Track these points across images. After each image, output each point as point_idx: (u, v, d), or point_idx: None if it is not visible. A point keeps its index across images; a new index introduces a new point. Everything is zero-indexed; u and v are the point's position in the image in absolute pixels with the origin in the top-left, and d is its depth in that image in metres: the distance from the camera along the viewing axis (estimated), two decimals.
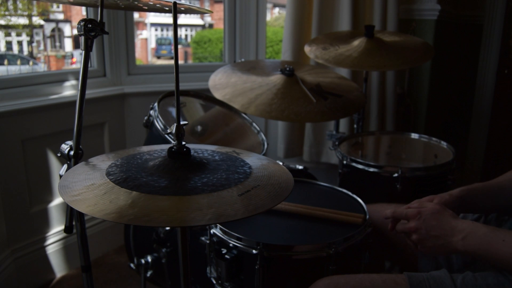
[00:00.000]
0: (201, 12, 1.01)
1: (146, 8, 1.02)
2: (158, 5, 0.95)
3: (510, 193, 1.07)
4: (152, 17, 8.31)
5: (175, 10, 0.70)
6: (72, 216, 0.99)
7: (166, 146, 0.77)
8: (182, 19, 8.03)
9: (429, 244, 0.94)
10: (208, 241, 1.09)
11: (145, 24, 8.08)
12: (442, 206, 0.97)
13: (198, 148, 0.82)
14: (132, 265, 1.54)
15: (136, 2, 0.95)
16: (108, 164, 0.75)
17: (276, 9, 6.82)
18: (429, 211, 0.96)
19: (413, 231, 0.96)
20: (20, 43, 3.64)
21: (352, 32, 1.97)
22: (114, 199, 0.62)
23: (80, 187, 0.67)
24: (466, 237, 0.89)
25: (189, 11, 0.94)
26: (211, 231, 1.07)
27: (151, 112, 1.46)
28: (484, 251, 0.87)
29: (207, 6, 8.39)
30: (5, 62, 3.16)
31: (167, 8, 0.95)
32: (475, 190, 1.07)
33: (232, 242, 1.02)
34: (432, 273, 0.91)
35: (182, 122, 0.73)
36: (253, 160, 0.80)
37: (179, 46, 7.34)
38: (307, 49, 1.78)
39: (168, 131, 0.74)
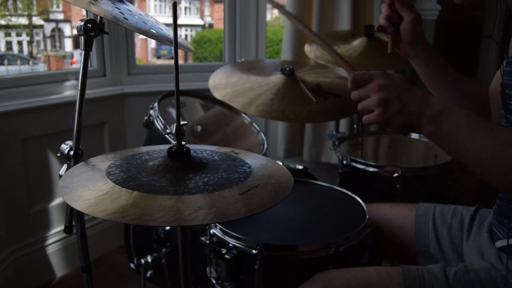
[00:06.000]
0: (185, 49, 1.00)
1: None
2: None
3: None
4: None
5: (175, 10, 0.70)
6: (72, 216, 0.99)
7: (165, 147, 0.77)
8: (182, 19, 8.03)
9: (390, 110, 0.77)
10: (208, 241, 1.09)
11: None
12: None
13: (197, 148, 0.82)
14: (132, 265, 1.53)
15: None
16: (107, 165, 0.75)
17: (276, 9, 6.83)
18: (397, 81, 0.80)
19: (377, 102, 0.78)
20: (20, 43, 3.64)
21: (352, 32, 1.97)
22: (116, 199, 0.62)
23: (81, 187, 0.67)
24: (444, 112, 0.74)
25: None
26: (211, 231, 1.07)
27: (151, 112, 1.46)
28: (462, 134, 0.72)
29: (207, 6, 8.40)
30: (5, 62, 3.16)
31: None
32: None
33: (232, 242, 1.02)
34: (427, 266, 0.91)
35: (182, 122, 0.73)
36: (252, 160, 0.80)
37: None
38: (307, 48, 1.78)
39: (168, 131, 0.74)
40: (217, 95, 1.54)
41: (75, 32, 0.92)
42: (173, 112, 1.58)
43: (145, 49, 8.06)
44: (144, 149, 0.84)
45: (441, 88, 1.06)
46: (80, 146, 0.96)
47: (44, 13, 4.11)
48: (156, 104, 1.47)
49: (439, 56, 1.05)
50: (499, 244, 0.90)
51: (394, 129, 0.81)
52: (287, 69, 1.58)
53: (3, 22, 3.19)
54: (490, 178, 0.73)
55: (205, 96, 1.72)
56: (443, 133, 0.75)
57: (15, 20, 3.38)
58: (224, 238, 1.03)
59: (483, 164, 0.72)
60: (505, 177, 0.70)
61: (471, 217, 1.07)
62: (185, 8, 8.26)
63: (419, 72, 1.08)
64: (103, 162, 0.77)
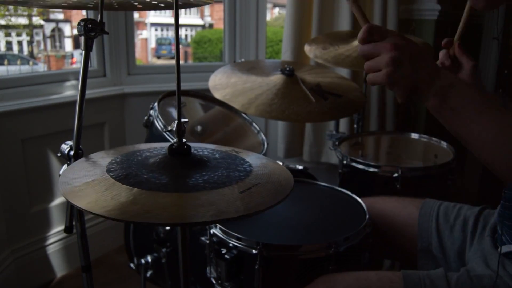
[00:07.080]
0: (199, 5, 1.00)
1: (140, 6, 1.01)
2: (154, 2, 0.94)
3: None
4: (152, 17, 8.32)
5: (177, 7, 0.69)
6: (72, 216, 0.99)
7: (166, 144, 0.76)
8: (182, 19, 8.02)
9: (400, 72, 0.72)
10: (208, 241, 1.08)
11: (145, 24, 8.09)
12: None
13: (198, 147, 0.82)
14: (132, 265, 1.53)
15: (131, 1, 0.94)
16: (108, 161, 0.75)
17: (276, 9, 6.82)
18: (411, 44, 0.74)
19: (388, 61, 0.72)
20: (20, 43, 3.64)
21: (352, 32, 1.97)
22: (116, 195, 0.62)
23: (81, 183, 0.67)
24: (453, 87, 0.71)
25: (186, 5, 0.93)
26: (211, 231, 1.06)
27: (151, 112, 1.46)
28: (467, 112, 0.69)
29: (207, 6, 8.40)
30: (5, 62, 3.16)
31: (162, 5, 0.94)
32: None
33: (232, 242, 1.02)
34: (429, 272, 0.90)
35: (183, 120, 0.73)
36: (253, 159, 0.80)
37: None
38: (307, 48, 1.78)
39: (169, 128, 0.74)
40: (217, 95, 1.54)
41: (75, 32, 0.92)
42: (173, 112, 1.58)
43: (145, 49, 8.07)
44: (145, 146, 0.84)
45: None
46: (80, 146, 0.96)
47: (44, 13, 4.11)
48: (156, 104, 1.47)
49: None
50: (505, 249, 0.88)
51: (396, 94, 0.75)
52: (287, 69, 1.58)
53: (3, 22, 3.19)
54: (490, 161, 0.70)
55: (205, 96, 1.72)
56: (448, 108, 0.71)
57: (15, 20, 3.38)
58: (224, 238, 1.03)
59: (485, 145, 0.69)
60: (505, 160, 0.68)
61: (475, 219, 1.05)
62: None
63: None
64: (103, 158, 0.77)
